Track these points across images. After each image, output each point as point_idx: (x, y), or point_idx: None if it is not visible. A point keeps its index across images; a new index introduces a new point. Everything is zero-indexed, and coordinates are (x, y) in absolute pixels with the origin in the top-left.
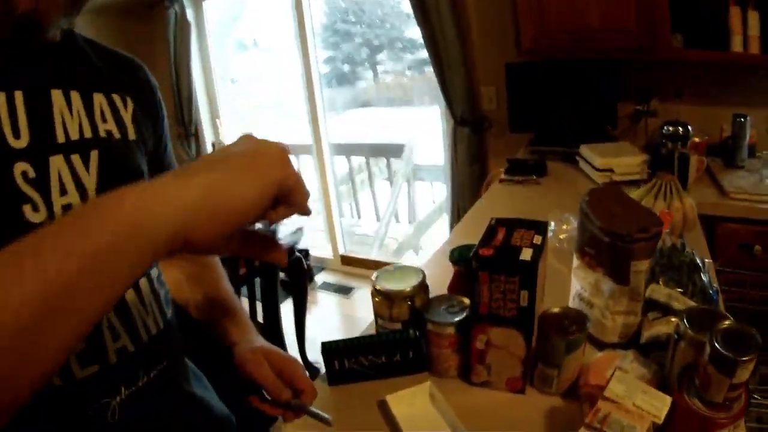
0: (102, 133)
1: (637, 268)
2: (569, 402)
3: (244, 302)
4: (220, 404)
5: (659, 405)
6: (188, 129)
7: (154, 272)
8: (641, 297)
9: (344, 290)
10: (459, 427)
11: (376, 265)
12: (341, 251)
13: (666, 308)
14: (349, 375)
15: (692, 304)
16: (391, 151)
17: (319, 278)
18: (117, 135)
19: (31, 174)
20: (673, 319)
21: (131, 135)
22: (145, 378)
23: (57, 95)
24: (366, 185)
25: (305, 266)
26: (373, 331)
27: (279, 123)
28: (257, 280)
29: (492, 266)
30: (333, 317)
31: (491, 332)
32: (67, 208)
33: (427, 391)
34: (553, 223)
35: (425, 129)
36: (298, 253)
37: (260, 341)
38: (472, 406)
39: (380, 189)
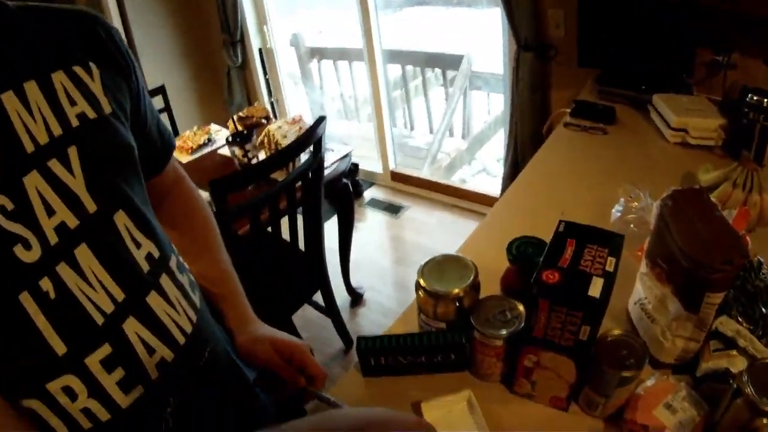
0: (74, 121)
1: (711, 300)
2: (611, 427)
3: (285, 230)
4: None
5: None
6: (233, 36)
7: (173, 263)
8: (708, 328)
9: (393, 209)
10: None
11: (428, 184)
12: (392, 166)
13: (730, 342)
14: (384, 370)
15: (758, 346)
16: (448, 62)
17: (368, 194)
18: (91, 114)
19: (9, 206)
20: (734, 353)
21: (106, 108)
22: (192, 377)
23: (8, 98)
24: (420, 92)
25: (352, 193)
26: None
27: (328, 25)
28: (299, 210)
29: (555, 296)
30: (380, 237)
31: (542, 355)
32: (61, 229)
33: (466, 399)
34: (622, 200)
35: (484, 35)
36: (345, 180)
37: (261, 328)
38: (510, 416)
39: (435, 97)
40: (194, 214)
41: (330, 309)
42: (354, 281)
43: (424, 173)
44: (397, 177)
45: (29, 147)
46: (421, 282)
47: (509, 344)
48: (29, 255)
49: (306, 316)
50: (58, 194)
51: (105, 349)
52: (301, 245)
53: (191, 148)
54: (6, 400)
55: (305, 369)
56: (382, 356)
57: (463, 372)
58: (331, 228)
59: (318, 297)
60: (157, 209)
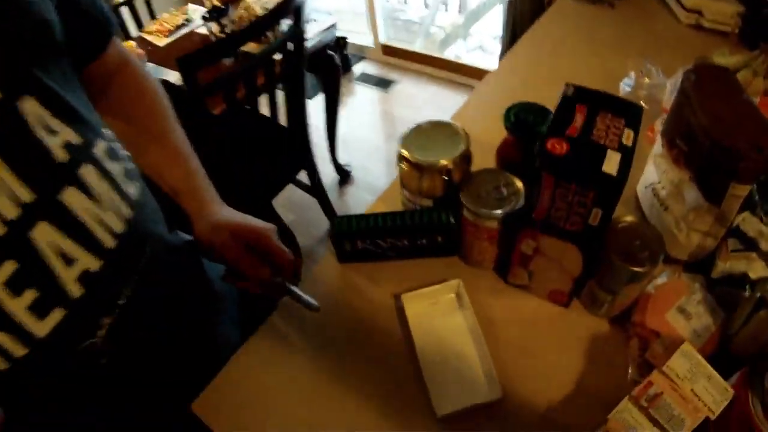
0: None
1: (736, 192)
2: (615, 329)
3: (264, 107)
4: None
5: (719, 398)
6: None
7: (99, 149)
8: (728, 223)
9: (384, 83)
10: (479, 337)
11: (420, 58)
12: (382, 40)
13: (751, 243)
14: (362, 255)
15: None
16: None
17: (357, 69)
18: None
19: None
20: (753, 256)
21: None
22: (128, 290)
23: None
24: None
25: (338, 64)
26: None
27: None
28: (280, 86)
29: (563, 170)
30: (370, 113)
31: (543, 240)
32: None
33: (454, 290)
34: (632, 74)
35: None
36: (330, 51)
37: (219, 212)
38: (503, 309)
39: None
40: (140, 99)
41: (315, 188)
42: (342, 159)
43: (417, 47)
44: (388, 51)
45: None
46: (404, 152)
47: (505, 226)
48: None
49: (291, 198)
50: None
51: (8, 267)
52: (283, 122)
53: (169, 30)
54: None
55: (270, 257)
56: (359, 239)
57: (452, 257)
58: (318, 108)
59: (304, 177)
60: (99, 99)
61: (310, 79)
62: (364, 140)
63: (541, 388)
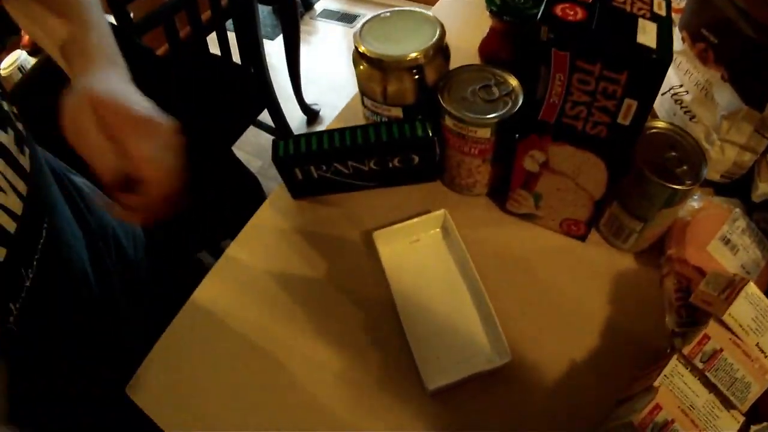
0: None
1: None
2: (644, 266)
3: (214, 45)
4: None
5: None
6: None
7: None
8: None
9: (348, 18)
10: (474, 283)
11: None
12: None
13: None
14: (321, 185)
15: None
16: None
17: (320, 5)
18: None
19: None
20: None
21: None
22: (31, 270)
23: None
24: None
25: None
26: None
27: None
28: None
29: (582, 43)
30: (335, 51)
31: (553, 151)
32: None
33: (439, 223)
34: None
35: None
36: None
37: (90, 78)
38: (502, 246)
39: None
40: None
41: (281, 130)
42: (309, 99)
43: None
44: None
45: None
46: (361, 47)
47: (500, 135)
48: None
49: (258, 143)
50: None
51: None
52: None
53: None
54: None
55: (128, 159)
56: (312, 164)
57: (434, 183)
58: (281, 48)
59: (268, 119)
60: None
61: (270, 20)
62: (330, 77)
63: (553, 347)
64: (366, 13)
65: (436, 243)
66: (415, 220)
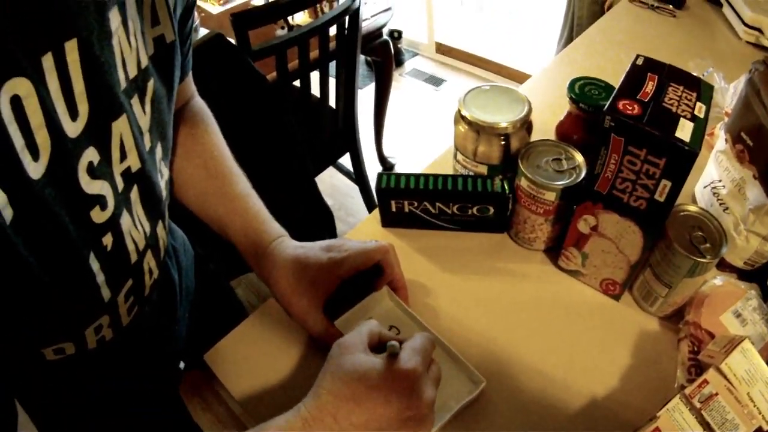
0: (150, 48)
1: None
2: (665, 329)
3: (315, 87)
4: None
5: None
6: None
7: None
8: None
9: (435, 81)
10: (422, 325)
11: (475, 60)
12: (437, 38)
13: None
14: (407, 220)
15: None
16: None
17: (410, 64)
18: (169, 37)
19: (96, 159)
20: None
21: (171, 35)
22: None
23: (115, 15)
24: None
25: (392, 51)
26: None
27: None
28: (332, 64)
29: (634, 132)
30: (418, 108)
31: (602, 217)
32: (125, 174)
33: (385, 296)
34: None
35: None
36: (385, 36)
37: (284, 244)
38: (549, 294)
39: None
40: (205, 134)
41: (358, 175)
42: (387, 151)
43: (473, 49)
44: (442, 49)
45: (123, 82)
46: (462, 110)
47: (563, 200)
48: (102, 215)
49: (333, 183)
50: (132, 134)
51: (129, 284)
52: (333, 104)
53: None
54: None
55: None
56: (407, 199)
57: (500, 235)
58: (367, 99)
59: (348, 163)
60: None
61: (362, 69)
62: (410, 134)
63: (580, 382)
64: (454, 79)
65: (389, 313)
66: (363, 301)
